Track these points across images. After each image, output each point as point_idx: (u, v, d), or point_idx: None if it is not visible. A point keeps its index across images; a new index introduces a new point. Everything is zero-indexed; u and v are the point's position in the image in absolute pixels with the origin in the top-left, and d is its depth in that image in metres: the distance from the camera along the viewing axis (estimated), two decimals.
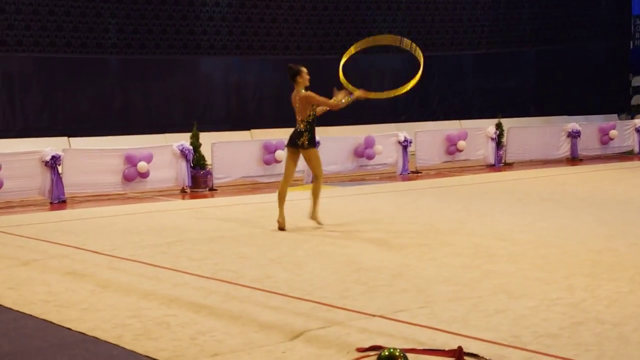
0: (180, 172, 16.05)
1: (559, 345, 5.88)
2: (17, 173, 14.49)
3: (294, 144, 11.11)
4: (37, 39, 21.77)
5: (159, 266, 8.85)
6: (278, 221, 11.10)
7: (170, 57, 23.42)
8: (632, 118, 26.09)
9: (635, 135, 22.41)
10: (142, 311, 7.03)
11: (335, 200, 14.37)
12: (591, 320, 6.49)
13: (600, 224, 11.08)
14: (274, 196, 15.15)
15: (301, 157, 11.25)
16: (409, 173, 18.65)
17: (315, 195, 11.26)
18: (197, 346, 6.06)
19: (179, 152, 16.02)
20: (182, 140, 16.42)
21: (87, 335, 6.40)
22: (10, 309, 7.25)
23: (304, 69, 11.28)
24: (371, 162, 18.46)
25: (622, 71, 29.97)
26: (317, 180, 11.32)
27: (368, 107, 25.39)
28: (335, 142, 18.27)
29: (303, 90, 11.18)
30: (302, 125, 11.12)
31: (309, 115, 11.11)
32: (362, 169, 18.46)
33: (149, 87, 23.09)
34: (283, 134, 18.69)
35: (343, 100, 11.15)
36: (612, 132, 21.93)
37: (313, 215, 11.30)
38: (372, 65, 26.40)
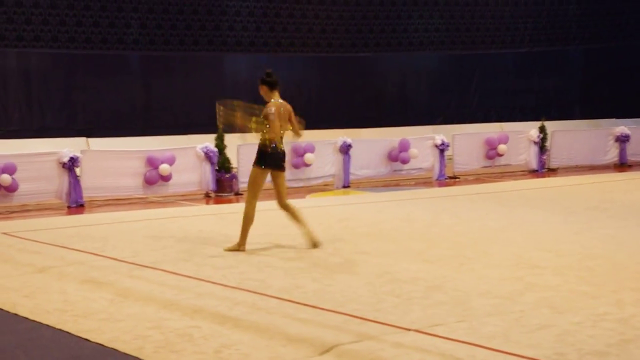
0: (204, 175, 16.10)
1: None
2: (33, 175, 14.60)
3: (281, 166, 10.43)
4: (55, 34, 21.96)
5: (181, 274, 8.88)
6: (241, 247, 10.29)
7: (195, 54, 23.53)
8: None
9: None
10: (163, 322, 7.05)
11: (368, 206, 14.35)
12: None
13: None
14: (303, 202, 15.24)
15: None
16: (446, 178, 18.60)
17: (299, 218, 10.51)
18: None
19: (203, 154, 16.08)
20: (207, 141, 16.46)
21: (106, 346, 6.43)
22: (26, 318, 7.30)
23: None
24: (406, 166, 18.42)
25: None
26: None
27: (403, 109, 25.43)
28: (368, 145, 18.26)
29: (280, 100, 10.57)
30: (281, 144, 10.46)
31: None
32: (396, 174, 18.42)
33: (172, 85, 23.20)
34: (313, 136, 18.76)
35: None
36: None
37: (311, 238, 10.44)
38: (411, 64, 26.39)
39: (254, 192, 10.43)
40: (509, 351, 6.11)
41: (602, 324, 6.82)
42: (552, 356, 6.00)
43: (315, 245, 10.27)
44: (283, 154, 10.46)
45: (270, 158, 10.32)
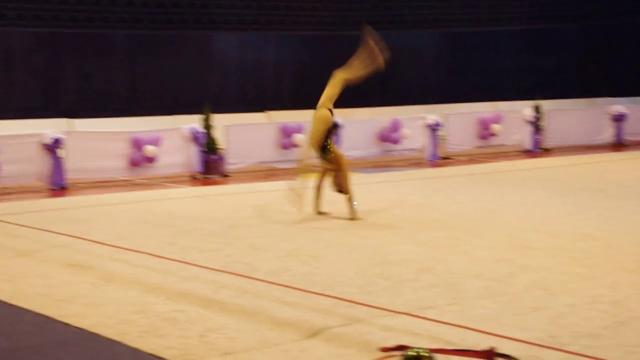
0: (190, 157, 16.07)
1: (600, 346, 5.85)
2: (15, 157, 14.57)
3: None
4: (38, 12, 21.84)
5: (166, 258, 8.87)
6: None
7: (182, 33, 23.43)
8: None
9: None
10: (148, 306, 7.05)
11: (358, 188, 14.29)
12: (636, 320, 6.45)
13: None
14: (291, 183, 15.20)
15: None
16: (438, 159, 18.60)
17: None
18: (207, 344, 6.07)
19: (189, 135, 16.04)
20: (193, 122, 16.43)
21: (89, 331, 6.42)
22: (7, 303, 7.29)
23: None
24: (397, 146, 18.42)
25: None
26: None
27: (395, 88, 25.40)
28: (359, 125, 18.23)
29: None
30: None
31: None
32: (388, 154, 18.41)
33: (158, 65, 23.11)
34: (302, 116, 18.71)
35: None
36: None
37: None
38: (403, 42, 26.30)
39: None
40: (501, 334, 6.12)
41: (596, 306, 6.84)
42: (545, 339, 6.01)
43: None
44: None
45: None
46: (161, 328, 6.45)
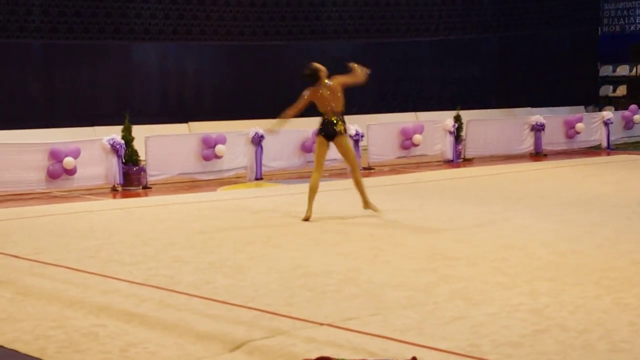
0: (110, 168, 15.90)
1: (520, 355, 5.95)
2: None
3: (331, 133, 12.08)
4: None
5: (86, 272, 8.78)
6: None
7: (101, 43, 23.20)
8: (600, 110, 26.41)
9: (603, 128, 22.70)
10: (67, 321, 6.97)
11: (281, 198, 14.38)
12: (555, 328, 6.57)
13: (564, 224, 11.22)
14: (214, 195, 15.19)
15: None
16: (360, 169, 18.65)
17: (360, 184, 12.31)
18: (128, 359, 6.03)
19: (109, 146, 15.88)
20: (113, 133, 16.26)
21: (6, 348, 6.34)
22: None
23: (320, 66, 12.31)
24: None
25: (589, 60, 30.33)
26: (355, 170, 12.43)
27: None
28: (280, 136, 18.14)
29: (327, 81, 12.26)
30: (334, 116, 12.20)
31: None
32: (310, 166, 18.33)
33: (76, 75, 22.85)
34: (224, 127, 18.69)
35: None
36: (579, 126, 22.19)
37: (366, 205, 12.26)
38: (324, 52, 26.41)
39: (315, 162, 12.38)
40: (422, 344, 6.18)
41: (516, 314, 6.95)
42: (466, 348, 6.09)
43: (375, 210, 12.18)
44: (331, 124, 12.21)
45: (320, 127, 12.26)
46: (81, 343, 6.39)
